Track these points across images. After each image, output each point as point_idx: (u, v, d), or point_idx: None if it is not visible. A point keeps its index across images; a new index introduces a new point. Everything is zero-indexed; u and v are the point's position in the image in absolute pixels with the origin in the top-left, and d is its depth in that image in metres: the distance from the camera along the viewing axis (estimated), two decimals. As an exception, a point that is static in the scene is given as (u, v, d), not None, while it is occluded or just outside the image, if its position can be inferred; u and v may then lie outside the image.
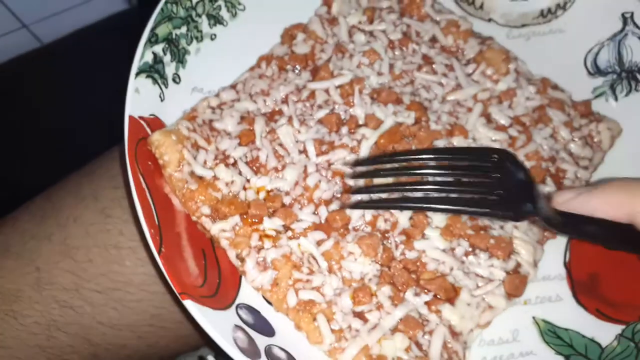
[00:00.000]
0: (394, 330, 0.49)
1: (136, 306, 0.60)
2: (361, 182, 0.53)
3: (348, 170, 0.55)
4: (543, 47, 0.68)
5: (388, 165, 0.50)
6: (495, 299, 0.52)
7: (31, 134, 0.89)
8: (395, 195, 0.48)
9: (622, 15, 0.65)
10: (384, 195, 0.49)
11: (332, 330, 0.48)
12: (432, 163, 0.47)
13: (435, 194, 0.46)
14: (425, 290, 0.51)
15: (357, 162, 0.53)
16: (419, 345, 0.48)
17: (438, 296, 0.51)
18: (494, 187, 0.46)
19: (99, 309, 0.59)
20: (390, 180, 0.50)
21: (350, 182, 0.53)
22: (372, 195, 0.50)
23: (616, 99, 0.65)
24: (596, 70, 0.66)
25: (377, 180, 0.52)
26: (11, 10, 0.91)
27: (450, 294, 0.51)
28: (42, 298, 0.58)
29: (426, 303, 0.51)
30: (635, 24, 0.65)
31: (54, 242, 0.60)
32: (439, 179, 0.47)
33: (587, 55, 0.67)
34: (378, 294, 0.50)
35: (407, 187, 0.48)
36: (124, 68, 0.53)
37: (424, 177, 0.48)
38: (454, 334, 0.50)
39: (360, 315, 0.49)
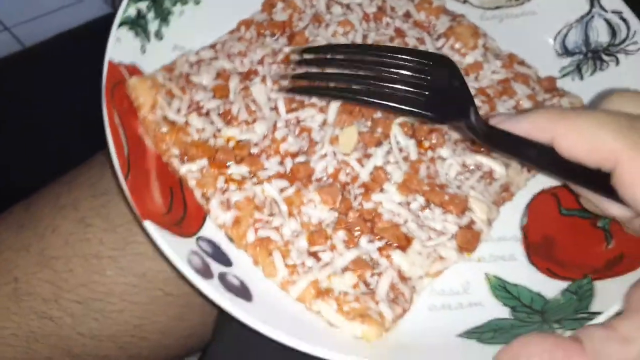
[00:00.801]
0: (345, 269, 0.51)
1: (117, 317, 0.60)
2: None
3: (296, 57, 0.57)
4: (515, 29, 0.71)
5: (329, 56, 0.51)
6: (446, 250, 0.55)
7: (10, 138, 0.89)
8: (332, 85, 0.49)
9: (589, -3, 0.68)
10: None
11: (286, 265, 0.51)
12: (370, 58, 0.47)
13: (365, 87, 0.47)
14: (379, 237, 0.54)
15: (305, 50, 0.55)
16: (366, 284, 0.51)
17: (390, 243, 0.54)
18: (424, 87, 0.46)
19: (79, 319, 0.59)
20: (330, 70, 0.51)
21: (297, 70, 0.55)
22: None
23: (582, 78, 0.68)
24: (564, 51, 0.69)
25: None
26: (-7, 12, 0.93)
27: (403, 242, 0.54)
28: (20, 309, 0.58)
29: (378, 249, 0.53)
30: (601, 6, 0.68)
31: (32, 253, 0.60)
32: (370, 73, 0.47)
33: (556, 37, 0.70)
34: (333, 237, 0.53)
35: (339, 78, 0.49)
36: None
37: (359, 70, 0.48)
38: (403, 278, 0.53)
39: (314, 255, 0.52)
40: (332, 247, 0.52)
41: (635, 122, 0.43)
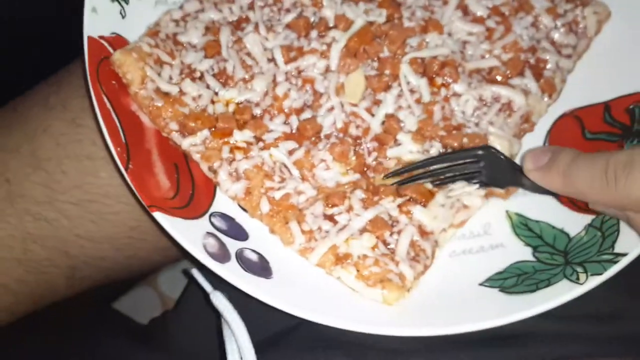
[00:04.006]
0: (362, 230, 0.50)
1: (114, 218, 0.60)
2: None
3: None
4: None
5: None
6: (471, 199, 0.53)
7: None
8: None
9: None
10: None
11: (303, 232, 0.50)
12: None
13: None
14: (401, 195, 0.52)
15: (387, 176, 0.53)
16: (386, 244, 0.50)
17: (413, 198, 0.52)
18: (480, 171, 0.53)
19: (75, 221, 0.59)
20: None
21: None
22: None
23: (608, -20, 0.61)
24: (588, -52, 0.61)
25: None
26: None
27: (427, 197, 0.52)
28: (15, 211, 0.58)
29: (398, 206, 0.52)
30: None
31: (23, 154, 0.59)
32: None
33: None
34: (351, 196, 0.51)
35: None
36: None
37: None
38: (424, 233, 0.51)
39: (330, 218, 0.51)
40: (349, 209, 0.51)
41: None
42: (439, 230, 0.52)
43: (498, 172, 0.53)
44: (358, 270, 0.49)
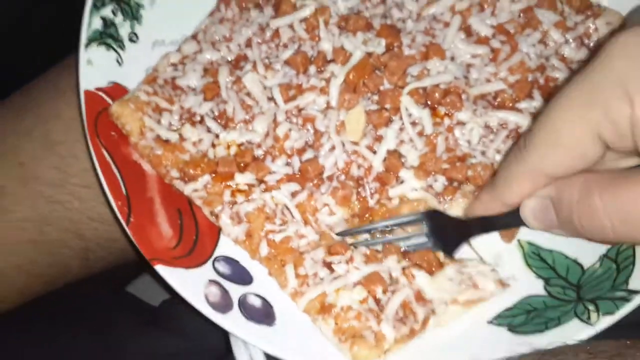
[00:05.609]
0: (357, 284, 0.49)
1: None
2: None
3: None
4: None
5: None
6: (484, 280, 0.50)
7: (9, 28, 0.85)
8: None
9: None
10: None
11: (297, 275, 0.49)
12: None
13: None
14: (407, 259, 0.50)
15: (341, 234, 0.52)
16: (376, 300, 0.48)
17: (418, 264, 0.50)
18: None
19: (88, 204, 0.60)
20: None
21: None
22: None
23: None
24: (600, -48, 0.58)
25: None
26: None
27: (435, 267, 0.50)
28: (29, 193, 0.59)
29: (402, 268, 0.50)
30: None
31: (36, 137, 0.60)
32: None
33: None
34: (354, 249, 0.50)
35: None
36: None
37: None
38: (421, 299, 0.49)
39: (328, 266, 0.50)
40: (350, 260, 0.50)
41: None
42: (440, 302, 0.49)
43: (444, 234, 0.50)
44: (337, 323, 0.48)
